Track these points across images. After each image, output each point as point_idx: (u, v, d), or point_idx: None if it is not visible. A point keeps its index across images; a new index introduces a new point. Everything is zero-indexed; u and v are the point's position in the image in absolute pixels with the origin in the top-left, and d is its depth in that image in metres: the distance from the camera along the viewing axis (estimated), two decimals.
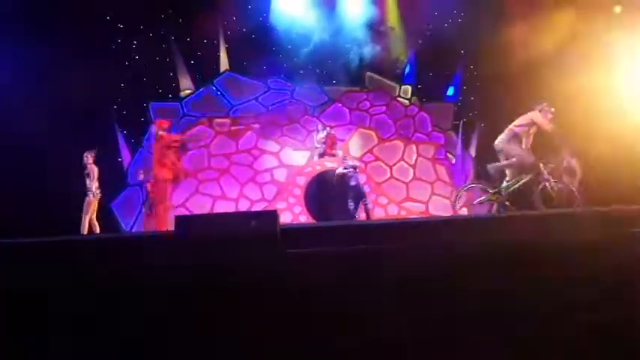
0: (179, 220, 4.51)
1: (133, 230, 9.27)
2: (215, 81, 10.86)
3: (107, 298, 3.81)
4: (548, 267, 3.75)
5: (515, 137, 6.66)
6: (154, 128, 9.45)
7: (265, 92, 10.95)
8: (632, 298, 3.63)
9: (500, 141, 6.77)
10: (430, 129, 11.18)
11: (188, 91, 10.81)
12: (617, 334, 3.50)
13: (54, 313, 3.61)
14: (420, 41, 11.77)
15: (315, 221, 9.60)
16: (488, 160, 10.37)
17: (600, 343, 3.50)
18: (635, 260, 3.75)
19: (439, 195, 10.35)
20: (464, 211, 10.24)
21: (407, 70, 11.81)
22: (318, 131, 10.44)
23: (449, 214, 10.05)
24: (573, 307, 3.50)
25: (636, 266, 3.72)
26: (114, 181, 9.60)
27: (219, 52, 11.07)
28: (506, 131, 6.77)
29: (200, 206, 9.55)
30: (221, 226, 4.35)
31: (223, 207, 9.59)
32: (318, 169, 10.09)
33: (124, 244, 4.90)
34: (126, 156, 10.12)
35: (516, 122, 6.73)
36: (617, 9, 9.98)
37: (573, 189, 6.56)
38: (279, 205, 9.74)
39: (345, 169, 8.95)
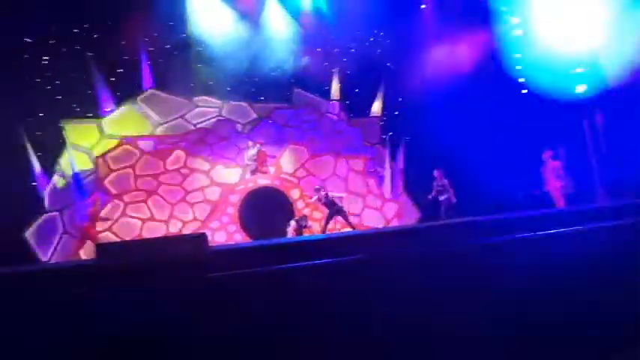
0: (100, 247, 4.27)
1: (53, 260, 8.56)
2: (138, 99, 10.41)
3: (27, 333, 3.50)
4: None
5: None
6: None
7: (192, 109, 10.67)
8: None
9: None
10: (359, 143, 11.48)
11: (108, 110, 10.25)
12: None
13: None
14: (345, 59, 12.11)
15: (249, 239, 9.48)
16: (416, 171, 10.94)
17: None
18: None
19: (371, 207, 10.63)
20: (395, 222, 10.61)
21: (333, 85, 12.08)
22: (248, 148, 10.35)
23: (381, 226, 10.36)
24: None
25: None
26: (27, 208, 8.88)
27: (141, 69, 10.65)
28: None
29: (127, 230, 9.06)
30: (145, 252, 4.17)
31: (153, 229, 9.16)
32: (251, 186, 9.99)
33: (44, 274, 4.54)
34: (40, 180, 9.32)
35: None
36: None
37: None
38: (213, 225, 9.51)
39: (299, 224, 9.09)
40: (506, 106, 10.98)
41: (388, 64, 12.21)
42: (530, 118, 10.94)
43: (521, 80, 11.74)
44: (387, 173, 11.01)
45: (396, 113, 12.16)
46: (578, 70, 10.50)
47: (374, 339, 3.90)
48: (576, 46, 10.13)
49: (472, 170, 10.16)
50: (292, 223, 9.10)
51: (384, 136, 11.69)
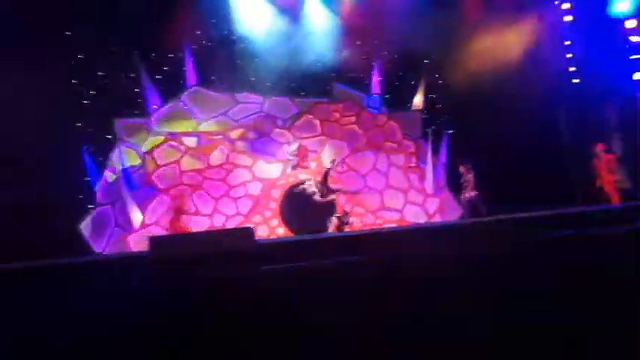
0: (154, 240, 4.43)
1: (106, 252, 8.96)
2: (182, 96, 10.70)
3: (83, 324, 3.68)
4: None
5: None
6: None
7: (234, 106, 10.87)
8: None
9: None
10: (400, 137, 11.34)
11: (155, 107, 10.59)
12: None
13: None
14: (386, 52, 11.97)
15: (291, 233, 9.57)
16: (459, 165, 10.70)
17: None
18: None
19: (413, 203, 10.49)
20: (437, 218, 10.43)
21: (374, 79, 11.97)
22: (289, 143, 10.43)
23: (423, 221, 10.21)
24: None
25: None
26: (81, 201, 9.31)
27: (185, 66, 10.94)
28: None
29: None
30: (197, 244, 4.30)
31: (198, 223, 9.40)
32: (292, 181, 10.07)
33: (99, 266, 4.77)
34: (93, 175, 9.78)
35: None
36: None
37: None
38: (255, 219, 9.66)
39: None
40: (555, 97, 10.55)
41: (431, 55, 11.97)
42: (581, 108, 10.48)
43: (572, 69, 11.26)
44: (429, 168, 10.83)
45: (439, 106, 11.92)
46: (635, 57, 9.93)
47: (425, 336, 3.84)
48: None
49: (518, 164, 9.83)
50: (334, 219, 9.13)
51: (426, 130, 11.51)
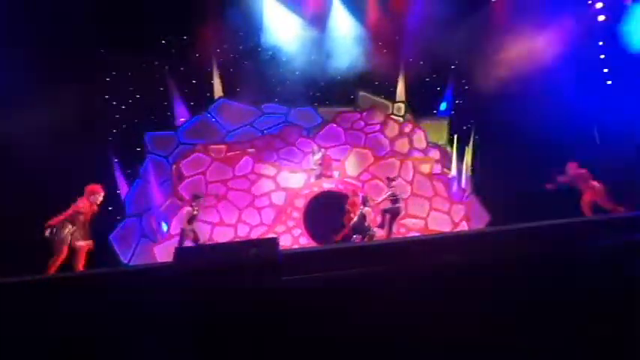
0: (179, 251, 4.51)
1: (132, 262, 9.18)
2: (209, 108, 10.93)
3: (108, 331, 3.77)
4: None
5: None
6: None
7: (260, 117, 11.03)
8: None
9: None
10: (425, 145, 11.23)
11: (183, 119, 10.87)
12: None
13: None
14: (411, 59, 11.92)
15: (314, 243, 9.56)
16: (485, 172, 10.49)
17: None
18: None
19: (438, 210, 10.33)
20: (464, 226, 10.23)
21: (399, 87, 11.92)
22: (313, 153, 10.47)
23: (448, 230, 10.04)
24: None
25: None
26: (111, 213, 9.56)
27: (212, 79, 11.18)
28: None
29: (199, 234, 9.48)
30: (221, 255, 4.34)
31: (222, 233, 9.53)
32: (316, 190, 10.09)
33: (127, 277, 4.87)
34: (123, 186, 10.09)
35: None
36: None
37: None
38: (278, 229, 9.70)
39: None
40: (588, 100, 10.19)
41: (456, 61, 11.85)
42: (616, 111, 10.10)
43: (605, 70, 10.89)
44: (455, 174, 10.66)
45: (464, 113, 11.76)
46: None
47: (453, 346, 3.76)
48: None
49: (546, 171, 9.54)
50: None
51: (452, 137, 11.34)
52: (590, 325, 3.75)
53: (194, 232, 8.12)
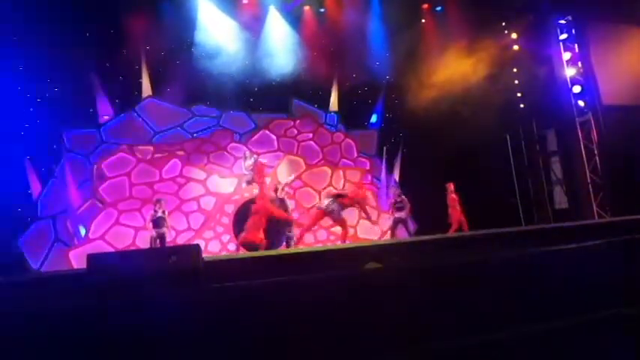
0: (92, 258, 4.22)
1: (43, 269, 8.48)
2: (137, 107, 10.42)
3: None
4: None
5: None
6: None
7: (190, 119, 10.69)
8: None
9: None
10: (356, 155, 11.50)
11: (107, 117, 10.25)
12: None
13: None
14: (345, 70, 12.16)
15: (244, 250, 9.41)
16: (412, 183, 10.94)
17: None
18: None
19: (367, 219, 10.56)
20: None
21: (332, 97, 12.11)
22: (245, 158, 10.33)
23: (376, 238, 10.32)
24: None
25: None
26: (22, 215, 8.83)
27: (141, 77, 10.67)
28: None
29: (121, 238, 8.99)
30: (137, 262, 4.13)
31: (146, 238, 9.10)
32: (247, 196, 9.97)
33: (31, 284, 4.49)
34: (35, 186, 9.29)
35: None
36: None
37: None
38: (207, 235, 9.46)
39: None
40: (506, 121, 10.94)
41: (387, 76, 12.28)
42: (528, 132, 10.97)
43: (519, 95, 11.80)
44: (383, 185, 11.01)
45: (394, 125, 12.21)
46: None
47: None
48: None
49: (472, 182, 10.14)
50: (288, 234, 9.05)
51: (381, 148, 11.71)
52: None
53: (162, 237, 8.08)
